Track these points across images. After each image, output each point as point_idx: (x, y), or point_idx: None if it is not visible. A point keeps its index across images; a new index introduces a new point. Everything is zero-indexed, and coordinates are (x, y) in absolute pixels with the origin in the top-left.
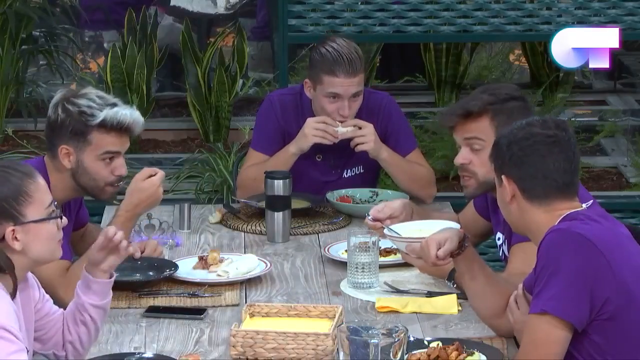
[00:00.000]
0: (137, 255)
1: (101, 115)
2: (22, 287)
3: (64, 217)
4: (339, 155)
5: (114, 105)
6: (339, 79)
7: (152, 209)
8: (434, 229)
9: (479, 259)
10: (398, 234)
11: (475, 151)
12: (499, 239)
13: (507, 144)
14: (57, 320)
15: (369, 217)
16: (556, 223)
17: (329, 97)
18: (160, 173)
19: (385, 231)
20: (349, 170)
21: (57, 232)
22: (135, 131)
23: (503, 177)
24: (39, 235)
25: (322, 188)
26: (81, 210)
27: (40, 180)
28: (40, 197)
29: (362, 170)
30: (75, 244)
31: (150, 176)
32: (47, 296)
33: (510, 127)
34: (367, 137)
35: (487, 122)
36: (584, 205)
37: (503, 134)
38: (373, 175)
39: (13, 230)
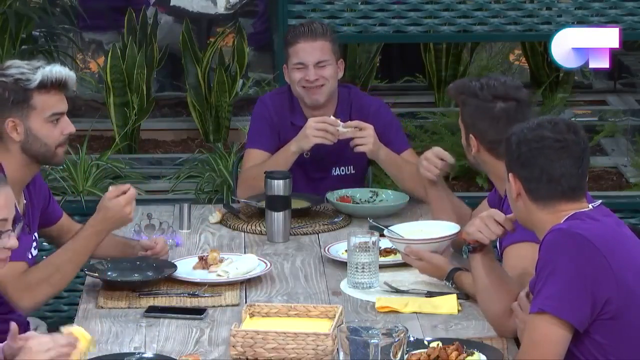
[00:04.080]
0: (148, 253)
1: (37, 76)
2: None
3: (11, 237)
4: (327, 153)
5: (42, 67)
6: (300, 45)
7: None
8: (434, 230)
9: (493, 254)
10: (399, 235)
11: None
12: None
13: (517, 142)
14: None
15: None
16: (560, 222)
17: (296, 69)
18: (129, 193)
19: (386, 232)
20: (337, 169)
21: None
22: (71, 86)
23: (510, 174)
24: None
25: (310, 185)
26: (50, 207)
27: (3, 192)
28: None
29: (352, 171)
30: (54, 239)
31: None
32: None
33: (521, 125)
34: (366, 139)
35: None
36: (590, 206)
37: (514, 131)
38: (362, 175)
39: None
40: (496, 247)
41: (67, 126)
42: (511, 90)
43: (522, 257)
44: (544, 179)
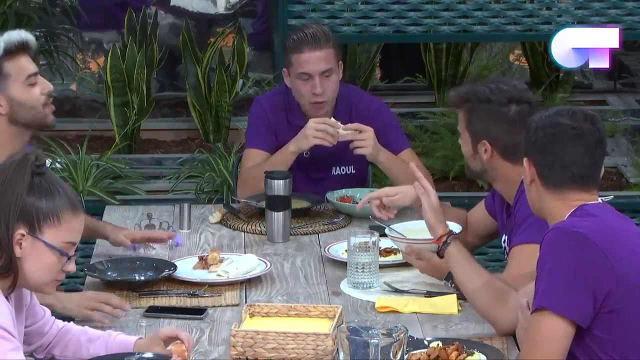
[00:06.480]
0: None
1: (0, 45)
2: (17, 291)
3: (72, 264)
4: (327, 153)
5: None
6: (304, 55)
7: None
8: None
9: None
10: (400, 234)
11: None
12: (504, 241)
13: (535, 128)
14: (43, 326)
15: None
16: (569, 213)
17: (301, 79)
18: (103, 306)
19: (387, 231)
20: (337, 168)
21: (58, 273)
22: (33, 46)
23: (525, 159)
24: (40, 258)
25: (310, 185)
26: None
27: (80, 219)
28: (67, 230)
29: (353, 171)
30: None
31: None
32: (36, 301)
33: (541, 112)
34: (366, 142)
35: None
36: (600, 200)
37: (533, 118)
38: (362, 175)
39: (23, 235)
40: (504, 246)
41: (45, 84)
42: (523, 93)
43: (530, 258)
44: (556, 164)
